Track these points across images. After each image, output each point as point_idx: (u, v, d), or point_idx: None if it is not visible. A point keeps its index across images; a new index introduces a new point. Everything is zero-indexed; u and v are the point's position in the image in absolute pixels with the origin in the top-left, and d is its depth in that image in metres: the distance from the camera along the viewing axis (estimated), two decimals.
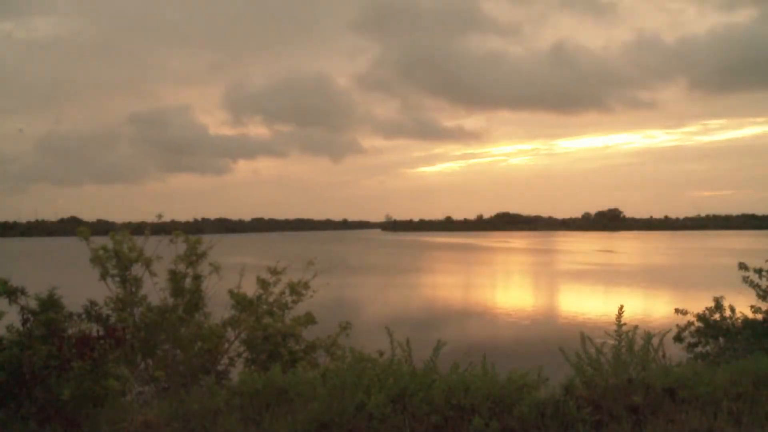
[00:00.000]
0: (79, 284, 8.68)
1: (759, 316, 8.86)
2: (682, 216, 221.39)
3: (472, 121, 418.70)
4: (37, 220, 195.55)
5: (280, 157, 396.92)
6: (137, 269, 8.73)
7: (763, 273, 9.08)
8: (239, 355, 8.84)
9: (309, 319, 8.96)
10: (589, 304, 31.48)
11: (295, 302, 9.26)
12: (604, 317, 21.49)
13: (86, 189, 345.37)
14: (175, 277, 8.79)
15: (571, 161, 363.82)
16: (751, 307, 9.02)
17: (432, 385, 4.76)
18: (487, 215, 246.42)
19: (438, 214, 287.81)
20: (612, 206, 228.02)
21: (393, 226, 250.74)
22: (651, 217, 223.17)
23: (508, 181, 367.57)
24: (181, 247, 9.02)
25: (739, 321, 8.92)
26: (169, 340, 8.38)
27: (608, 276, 48.32)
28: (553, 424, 4.46)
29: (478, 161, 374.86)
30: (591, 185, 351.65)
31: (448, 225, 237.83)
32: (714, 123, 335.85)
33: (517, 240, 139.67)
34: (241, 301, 8.95)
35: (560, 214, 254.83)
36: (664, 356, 5.36)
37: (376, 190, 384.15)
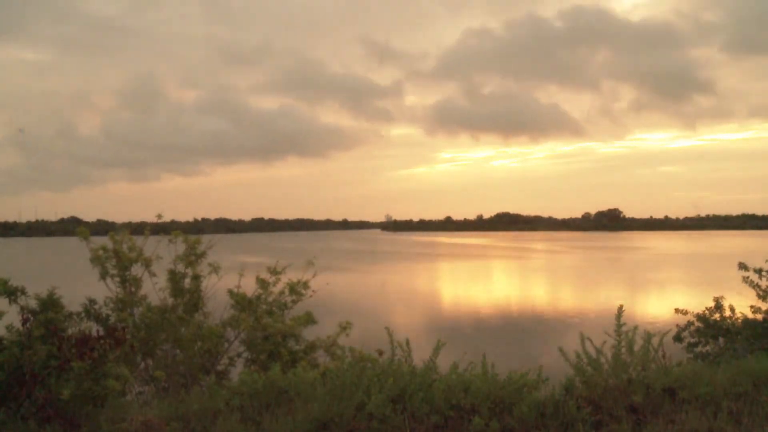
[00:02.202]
0: (80, 284, 8.69)
1: (759, 316, 8.86)
2: (682, 216, 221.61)
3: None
4: (37, 220, 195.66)
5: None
6: (137, 269, 8.74)
7: (763, 273, 9.08)
8: (239, 355, 8.85)
9: (309, 319, 8.95)
10: (588, 304, 31.46)
11: (294, 302, 9.26)
12: (603, 317, 21.47)
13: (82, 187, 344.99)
14: (174, 277, 8.80)
15: (562, 163, 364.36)
16: (751, 307, 9.01)
17: (432, 385, 4.76)
18: (487, 215, 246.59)
19: (438, 215, 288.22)
20: (612, 206, 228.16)
21: (393, 226, 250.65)
22: (651, 217, 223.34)
23: (505, 182, 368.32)
24: (180, 247, 9.02)
25: (739, 321, 8.92)
26: (169, 340, 8.38)
27: None
28: (553, 424, 4.46)
29: (462, 164, 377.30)
30: (585, 186, 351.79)
31: (448, 225, 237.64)
32: None
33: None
34: (240, 301, 8.94)
35: (561, 215, 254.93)
36: (664, 356, 5.35)
37: (374, 190, 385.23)
